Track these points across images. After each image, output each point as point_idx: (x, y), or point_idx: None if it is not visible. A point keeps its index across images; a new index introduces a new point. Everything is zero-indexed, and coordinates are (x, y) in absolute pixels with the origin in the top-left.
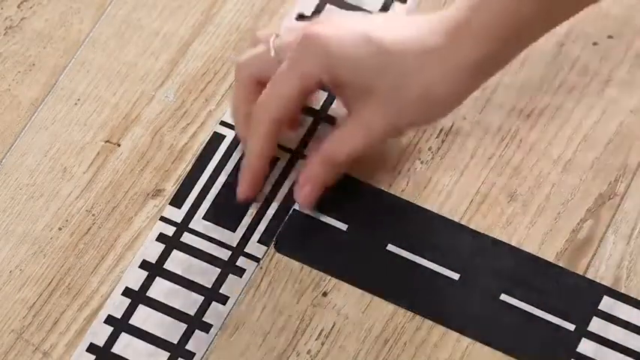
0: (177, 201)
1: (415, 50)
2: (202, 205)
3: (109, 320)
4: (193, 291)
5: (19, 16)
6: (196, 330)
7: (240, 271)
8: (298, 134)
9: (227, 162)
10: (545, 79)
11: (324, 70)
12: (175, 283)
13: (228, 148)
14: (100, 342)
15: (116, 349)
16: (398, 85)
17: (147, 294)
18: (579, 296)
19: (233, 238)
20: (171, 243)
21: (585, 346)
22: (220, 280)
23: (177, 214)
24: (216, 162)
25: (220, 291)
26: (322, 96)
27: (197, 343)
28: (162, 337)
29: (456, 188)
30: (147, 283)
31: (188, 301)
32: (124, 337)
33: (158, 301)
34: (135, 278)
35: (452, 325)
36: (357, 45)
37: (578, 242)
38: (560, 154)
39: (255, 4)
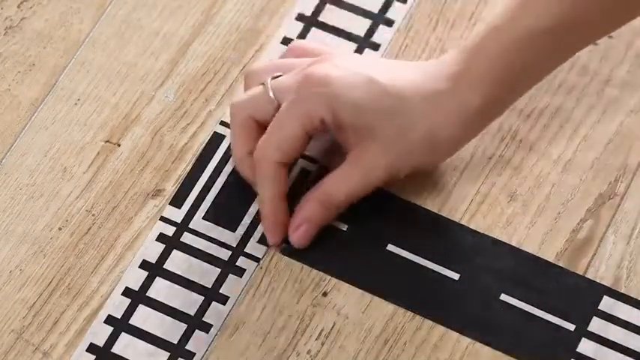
0: (177, 201)
1: (418, 95)
2: (202, 205)
3: (109, 320)
4: (193, 291)
5: (19, 16)
6: (196, 330)
7: (240, 271)
8: None
9: (227, 162)
10: (545, 79)
11: (329, 109)
12: (175, 283)
13: (228, 148)
14: (100, 342)
15: (116, 349)
16: (401, 128)
17: (147, 294)
18: (579, 296)
19: (233, 238)
20: (171, 243)
21: (585, 346)
22: (220, 280)
23: (177, 214)
24: (216, 162)
25: (220, 291)
26: None
27: (197, 343)
28: (162, 337)
29: (456, 188)
30: (147, 283)
31: (188, 301)
32: (124, 337)
33: (158, 301)
34: (135, 278)
35: (452, 325)
36: (361, 87)
37: (578, 242)
38: (560, 154)
39: (255, 4)
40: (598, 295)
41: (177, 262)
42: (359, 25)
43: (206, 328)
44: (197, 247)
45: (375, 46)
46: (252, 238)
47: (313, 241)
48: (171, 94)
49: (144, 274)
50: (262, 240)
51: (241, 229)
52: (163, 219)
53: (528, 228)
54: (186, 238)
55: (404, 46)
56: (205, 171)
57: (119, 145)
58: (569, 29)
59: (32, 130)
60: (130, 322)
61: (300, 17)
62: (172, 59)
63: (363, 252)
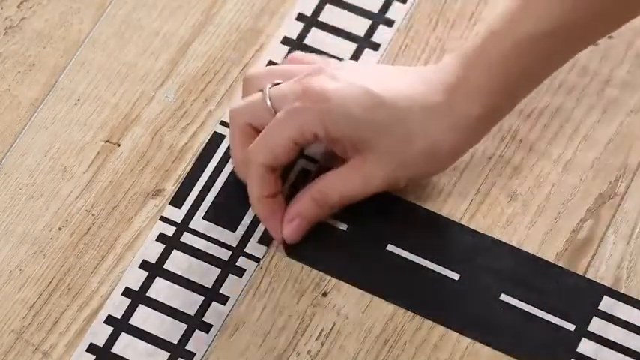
0: (177, 201)
1: (417, 106)
2: (202, 205)
3: (109, 320)
4: (193, 291)
5: (19, 16)
6: (196, 330)
7: (240, 271)
8: None
9: (227, 162)
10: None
11: (323, 125)
12: (175, 283)
13: (228, 148)
14: (100, 342)
15: (116, 349)
16: (400, 141)
17: (147, 294)
18: (579, 296)
19: (233, 238)
20: (171, 243)
21: (585, 346)
22: (220, 280)
23: (177, 214)
24: (216, 162)
25: (220, 291)
26: None
27: (197, 343)
28: (162, 337)
29: (456, 188)
30: (147, 283)
31: (188, 301)
32: (124, 337)
33: (158, 301)
34: (135, 278)
35: (452, 325)
36: (358, 100)
37: (578, 242)
38: (560, 154)
39: (255, 4)
40: (598, 295)
41: (177, 262)
42: (359, 25)
43: (206, 328)
44: (197, 247)
45: (375, 46)
46: (252, 238)
47: (314, 241)
48: (171, 94)
49: (144, 274)
50: (262, 240)
51: (241, 229)
52: (163, 219)
53: (528, 228)
54: (186, 238)
55: (404, 46)
56: (205, 171)
57: (119, 145)
58: (570, 31)
59: (32, 130)
60: (130, 322)
61: (300, 17)
62: (172, 59)
63: (363, 252)
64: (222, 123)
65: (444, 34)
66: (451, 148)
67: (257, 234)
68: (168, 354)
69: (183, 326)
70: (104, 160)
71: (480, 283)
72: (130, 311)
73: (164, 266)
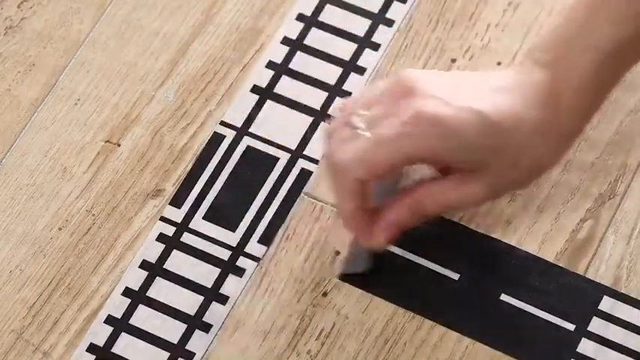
0: (177, 201)
1: (524, 126)
2: (202, 205)
3: (109, 320)
4: (193, 291)
5: (19, 16)
6: (196, 330)
7: (240, 271)
8: (298, 135)
9: (227, 162)
10: None
11: (433, 150)
12: (175, 283)
13: (228, 148)
14: (100, 342)
15: (116, 349)
16: (511, 161)
17: (147, 294)
18: (579, 296)
19: (233, 238)
20: (171, 243)
21: (585, 346)
22: (220, 280)
23: (177, 214)
24: (216, 162)
25: (220, 291)
26: (322, 96)
27: (197, 343)
28: (162, 337)
29: None
30: (147, 283)
31: (188, 301)
32: (124, 337)
33: (158, 301)
34: (135, 278)
35: (452, 325)
36: (474, 126)
37: (578, 242)
38: None
39: (255, 4)
40: (598, 295)
41: (177, 262)
42: (359, 25)
43: (206, 328)
44: (197, 247)
45: (375, 46)
46: (252, 238)
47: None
48: (171, 94)
49: (144, 274)
50: (262, 240)
51: (241, 229)
52: (163, 219)
53: (528, 228)
54: (187, 238)
55: (404, 46)
56: (205, 171)
57: (119, 145)
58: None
59: (32, 130)
60: (130, 322)
61: (300, 17)
62: (172, 59)
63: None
64: (223, 123)
65: (444, 34)
66: (552, 163)
67: (257, 234)
68: (168, 354)
69: (183, 326)
70: (104, 160)
71: (480, 284)
72: (130, 311)
73: (164, 266)
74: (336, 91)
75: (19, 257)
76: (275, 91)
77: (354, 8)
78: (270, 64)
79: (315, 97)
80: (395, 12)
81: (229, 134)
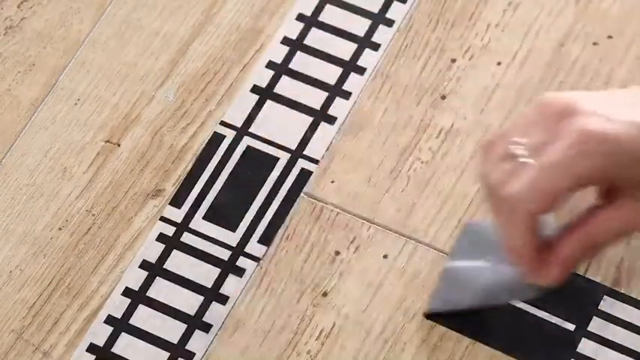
0: (177, 201)
1: None
2: (202, 205)
3: (109, 320)
4: (193, 291)
5: (19, 16)
6: (196, 330)
7: (240, 271)
8: (298, 135)
9: (227, 162)
10: (545, 79)
11: (604, 169)
12: (175, 283)
13: (228, 148)
14: (100, 342)
15: (116, 349)
16: None
17: (147, 294)
18: (579, 296)
19: (233, 238)
20: (171, 243)
21: (585, 346)
22: (220, 280)
23: (177, 214)
24: (216, 162)
25: (220, 291)
26: (322, 96)
27: (197, 343)
28: (162, 337)
29: (456, 188)
30: (147, 283)
31: (188, 301)
32: (124, 337)
33: (158, 301)
34: (135, 278)
35: (452, 326)
36: None
37: None
38: None
39: (255, 4)
40: (598, 295)
41: (177, 262)
42: (359, 25)
43: (206, 328)
44: (197, 247)
45: (375, 46)
46: (252, 238)
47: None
48: (171, 94)
49: (144, 274)
50: (262, 240)
51: (241, 229)
52: (163, 219)
53: None
54: (187, 238)
55: (404, 46)
56: (205, 171)
57: (119, 145)
58: None
59: (32, 130)
60: (130, 322)
61: (300, 17)
62: (172, 59)
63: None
64: (223, 123)
65: (443, 34)
66: None
67: (257, 234)
68: (168, 354)
69: (183, 326)
70: (104, 160)
71: None
72: (130, 311)
73: (164, 266)
74: (336, 91)
75: (19, 257)
76: (275, 91)
77: (354, 8)
78: (270, 64)
79: (315, 97)
80: (395, 12)
81: (229, 134)
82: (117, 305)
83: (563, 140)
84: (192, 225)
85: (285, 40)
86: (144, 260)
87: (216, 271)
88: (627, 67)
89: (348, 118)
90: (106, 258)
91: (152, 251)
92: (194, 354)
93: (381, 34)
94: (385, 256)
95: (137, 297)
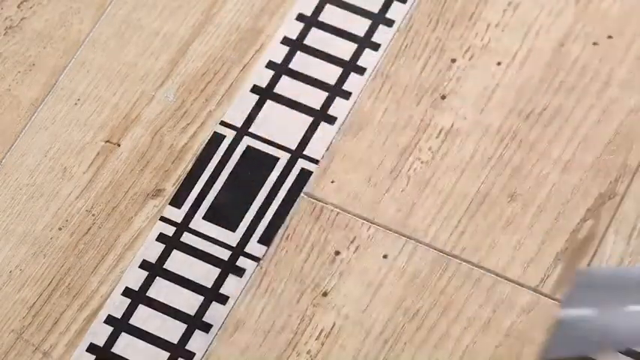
0: (177, 201)
1: None
2: (202, 205)
3: (109, 320)
4: (193, 291)
5: (19, 16)
6: (196, 330)
7: (240, 271)
8: (298, 135)
9: (227, 162)
10: (545, 79)
11: None
12: (175, 283)
13: (228, 148)
14: (100, 342)
15: (116, 349)
16: None
17: (147, 294)
18: None
19: (233, 238)
20: (171, 243)
21: None
22: (220, 280)
23: (177, 214)
24: (216, 162)
25: (220, 291)
26: (322, 96)
27: (197, 343)
28: (162, 337)
29: (456, 188)
30: (147, 283)
31: (188, 301)
32: (124, 337)
33: (158, 301)
34: (135, 278)
35: None
36: None
37: (578, 242)
38: (560, 154)
39: (255, 4)
40: None
41: (177, 262)
42: (359, 25)
43: (206, 328)
44: (197, 247)
45: (375, 46)
46: (252, 238)
47: None
48: (171, 94)
49: (144, 274)
50: (262, 240)
51: (241, 229)
52: (163, 219)
53: (528, 228)
54: (186, 238)
55: (404, 46)
56: (205, 171)
57: (119, 145)
58: None
59: (32, 130)
60: (130, 322)
61: (300, 17)
62: (172, 59)
63: None
64: (223, 123)
65: (443, 34)
66: None
67: (257, 234)
68: (168, 354)
69: (183, 326)
70: (104, 160)
71: None
72: (130, 311)
73: (164, 266)
74: (336, 91)
75: (19, 257)
76: (275, 91)
77: (354, 8)
78: (270, 64)
79: (315, 97)
80: (395, 12)
81: (229, 134)
82: (117, 305)
83: None
84: (192, 225)
85: (285, 40)
86: (144, 260)
87: (216, 271)
88: (627, 67)
89: (348, 118)
90: (106, 258)
91: (152, 251)
92: (194, 354)
93: (381, 34)
94: (385, 256)
95: (137, 297)
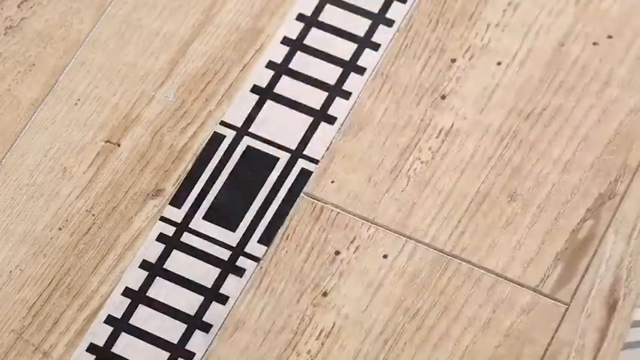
0: (177, 201)
1: None
2: (202, 205)
3: (109, 320)
4: (193, 291)
5: (19, 16)
6: (196, 330)
7: (240, 271)
8: (298, 135)
9: (227, 162)
10: (545, 79)
11: None
12: (175, 283)
13: (228, 148)
14: (100, 342)
15: (116, 349)
16: None
17: (147, 294)
18: None
19: (233, 238)
20: (171, 243)
21: None
22: (220, 280)
23: (177, 214)
24: (216, 162)
25: (220, 291)
26: (322, 96)
27: (197, 343)
28: (162, 337)
29: (456, 188)
30: (147, 283)
31: (188, 301)
32: (124, 337)
33: (158, 301)
34: (135, 278)
35: None
36: None
37: (578, 242)
38: (560, 154)
39: (255, 4)
40: None
41: (177, 262)
42: (359, 25)
43: (206, 328)
44: (197, 247)
45: (375, 46)
46: (252, 238)
47: None
48: (171, 94)
49: (144, 274)
50: (262, 240)
51: (241, 229)
52: (163, 219)
53: (528, 228)
54: (186, 238)
55: (404, 46)
56: (205, 171)
57: (119, 145)
58: None
59: (32, 130)
60: (130, 322)
61: (300, 17)
62: (172, 59)
63: None
64: (223, 123)
65: (443, 34)
66: None
67: (257, 234)
68: (168, 354)
69: (183, 326)
70: (104, 160)
71: None
72: (130, 311)
73: (164, 266)
74: (336, 91)
75: (19, 257)
76: (275, 91)
77: (354, 8)
78: (270, 64)
79: (315, 97)
80: (395, 12)
81: (229, 134)
82: (117, 305)
83: None
84: (192, 225)
85: (285, 40)
86: (144, 260)
87: (216, 271)
88: (627, 67)
89: (348, 118)
90: (106, 258)
91: (152, 251)
92: (194, 354)
93: (381, 34)
94: (385, 256)
95: (137, 297)
